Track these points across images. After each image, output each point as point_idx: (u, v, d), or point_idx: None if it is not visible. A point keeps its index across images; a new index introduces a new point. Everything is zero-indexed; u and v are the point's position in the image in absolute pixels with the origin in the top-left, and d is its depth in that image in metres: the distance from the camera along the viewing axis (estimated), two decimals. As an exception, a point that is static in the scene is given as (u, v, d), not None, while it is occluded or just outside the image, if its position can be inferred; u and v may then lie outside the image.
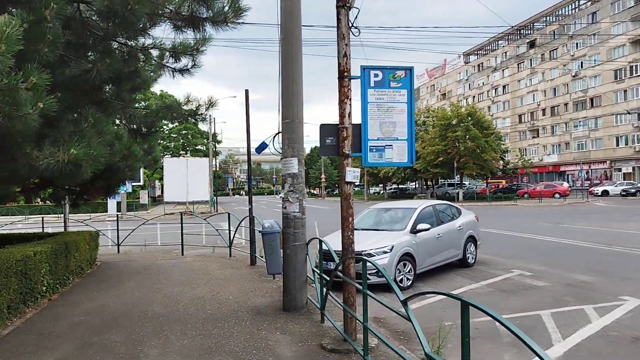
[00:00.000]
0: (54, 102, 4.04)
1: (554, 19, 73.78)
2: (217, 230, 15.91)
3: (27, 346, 6.26)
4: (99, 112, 5.60)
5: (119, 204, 38.15)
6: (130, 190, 39.86)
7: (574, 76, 67.88)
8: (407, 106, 6.40)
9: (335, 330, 6.59)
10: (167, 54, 7.10)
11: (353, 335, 6.10)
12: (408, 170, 55.98)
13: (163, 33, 6.54)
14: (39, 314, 7.92)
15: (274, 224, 8.51)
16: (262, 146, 8.49)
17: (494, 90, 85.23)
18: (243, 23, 6.31)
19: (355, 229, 10.60)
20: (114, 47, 7.00)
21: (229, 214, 15.52)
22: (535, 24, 77.22)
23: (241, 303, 8.39)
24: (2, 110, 3.83)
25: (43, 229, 15.86)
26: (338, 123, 6.31)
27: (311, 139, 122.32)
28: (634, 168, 60.40)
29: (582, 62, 66.86)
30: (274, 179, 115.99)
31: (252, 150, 10.68)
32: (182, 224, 15.62)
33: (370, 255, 9.53)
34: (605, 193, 51.69)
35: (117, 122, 9.01)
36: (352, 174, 6.25)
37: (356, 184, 6.50)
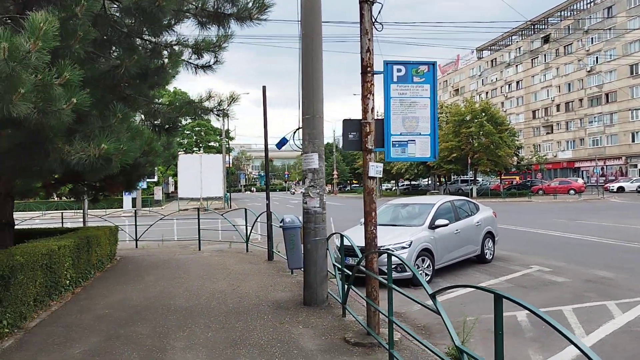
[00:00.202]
0: (87, 97, 4.11)
1: (569, 14, 72.94)
2: (234, 225, 16.00)
3: (55, 337, 6.38)
4: (126, 107, 5.68)
5: (134, 200, 38.51)
6: (145, 186, 40.18)
7: (588, 71, 67.14)
8: (430, 101, 6.40)
9: (357, 324, 6.63)
10: (190, 50, 7.17)
11: (376, 329, 6.13)
12: (421, 166, 55.83)
13: (186, 30, 6.59)
14: (64, 307, 8.05)
15: (294, 219, 8.56)
16: (283, 141, 8.53)
17: (507, 86, 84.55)
18: (267, 20, 6.32)
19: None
20: (137, 43, 7.07)
21: (245, 209, 15.61)
22: (549, 19, 76.42)
23: (262, 297, 8.45)
24: (37, 106, 3.90)
25: (62, 224, 16.07)
26: (361, 118, 6.33)
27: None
28: (650, 164, 59.72)
29: (597, 57, 66.09)
30: (286, 175, 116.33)
31: (272, 145, 10.72)
32: (199, 219, 15.75)
33: (380, 252, 9.54)
34: (620, 189, 51.13)
35: (137, 118, 9.10)
36: (375, 168, 6.27)
37: (379, 177, 6.50)
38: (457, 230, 11.12)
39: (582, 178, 62.71)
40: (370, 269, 6.23)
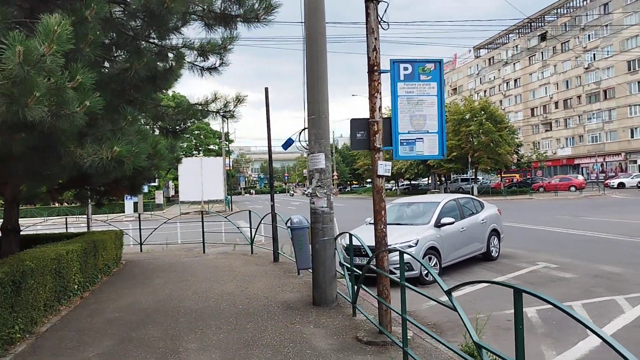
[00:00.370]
0: (100, 100, 4.12)
1: (565, 11, 73.08)
2: (238, 228, 16.01)
3: (68, 341, 6.37)
4: (135, 111, 5.69)
5: (135, 204, 38.50)
6: (146, 190, 40.18)
7: (586, 68, 67.23)
8: (437, 99, 6.41)
9: (368, 323, 6.63)
10: (195, 52, 7.17)
11: (388, 327, 6.13)
12: (421, 165, 55.83)
13: (192, 32, 6.61)
14: (74, 312, 8.05)
15: (302, 220, 8.56)
16: (289, 142, 8.53)
17: (505, 84, 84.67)
18: (273, 21, 6.34)
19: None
20: (143, 46, 7.07)
21: (249, 211, 15.60)
22: (546, 17, 76.52)
23: (270, 298, 8.45)
24: (50, 109, 3.91)
25: (67, 229, 16.07)
26: (368, 117, 6.33)
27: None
28: (649, 160, 59.79)
29: (594, 54, 66.19)
30: (286, 177, 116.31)
31: (279, 147, 10.72)
32: (202, 222, 15.75)
33: (391, 250, 9.55)
34: (621, 185, 51.14)
35: (142, 120, 9.11)
36: (384, 167, 6.28)
37: (387, 176, 6.50)
38: (462, 228, 11.13)
39: (582, 175, 62.74)
40: (381, 268, 6.23)
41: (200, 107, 7.81)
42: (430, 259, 10.06)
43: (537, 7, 74.35)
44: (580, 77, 69.01)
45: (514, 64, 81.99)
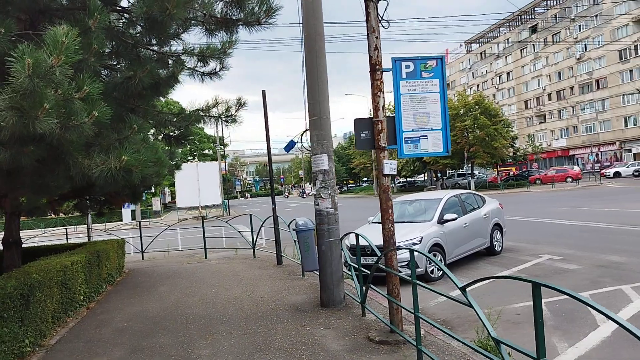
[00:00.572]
0: (107, 110, 4.10)
1: (555, 2, 73.33)
2: (239, 232, 15.98)
3: (78, 353, 6.34)
4: (140, 119, 5.67)
5: (133, 212, 38.37)
6: (143, 198, 40.02)
7: (578, 59, 67.47)
8: (440, 96, 6.40)
9: (378, 322, 6.63)
10: (195, 58, 7.15)
11: (400, 326, 6.13)
12: (417, 162, 55.86)
13: (192, 37, 6.58)
14: (81, 323, 8.01)
15: (307, 222, 8.56)
16: (291, 144, 8.54)
17: (498, 78, 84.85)
18: (275, 24, 6.33)
19: (380, 223, 10.65)
20: (142, 53, 7.04)
21: (250, 215, 15.57)
22: (536, 9, 76.75)
23: (278, 301, 8.44)
24: (59, 121, 3.88)
25: (67, 240, 16.00)
26: (372, 117, 6.34)
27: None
28: (644, 148, 60.05)
29: (585, 45, 66.44)
30: (282, 179, 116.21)
31: (277, 149, 10.70)
32: (203, 228, 15.72)
33: (399, 248, 9.55)
34: (617, 175, 51.37)
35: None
36: (390, 166, 6.28)
37: (393, 174, 6.51)
38: (465, 223, 11.14)
39: (578, 165, 62.97)
40: (389, 267, 6.23)
41: (202, 113, 7.80)
42: (435, 255, 10.06)
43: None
44: (572, 68, 69.25)
45: (506, 57, 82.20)
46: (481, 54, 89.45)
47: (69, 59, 3.54)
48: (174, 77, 7.06)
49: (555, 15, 71.19)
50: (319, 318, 7.21)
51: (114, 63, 7.16)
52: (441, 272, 10.01)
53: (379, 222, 11.02)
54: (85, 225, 17.20)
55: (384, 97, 6.30)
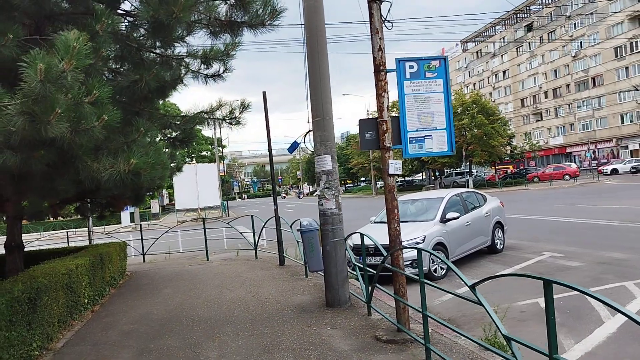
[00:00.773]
0: (117, 113, 4.12)
1: (550, 1, 73.50)
2: (241, 233, 16.00)
3: (86, 356, 6.35)
4: (147, 122, 5.69)
5: (132, 214, 38.35)
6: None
7: (574, 57, 67.66)
8: (444, 95, 6.44)
9: (385, 321, 6.66)
10: (199, 60, 7.17)
11: (407, 325, 6.16)
12: (415, 162, 55.95)
13: (197, 40, 6.61)
14: (87, 326, 8.01)
15: (312, 222, 8.58)
16: (294, 145, 8.55)
17: (494, 76, 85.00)
18: (279, 25, 6.35)
19: (383, 222, 10.67)
20: (145, 56, 7.06)
21: (252, 216, 15.59)
22: (531, 7, 76.92)
23: (282, 302, 8.46)
24: (70, 125, 3.90)
25: (68, 244, 15.99)
26: (377, 117, 6.36)
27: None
28: (640, 144, 60.25)
29: (581, 42, 66.62)
30: (280, 180, 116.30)
31: (275, 150, 10.72)
32: (204, 229, 15.71)
33: (410, 247, 9.59)
34: (614, 171, 51.57)
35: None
36: (395, 166, 6.31)
37: (398, 174, 6.54)
38: (467, 222, 11.19)
39: (575, 162, 63.12)
40: (396, 266, 6.26)
41: (206, 115, 7.82)
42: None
43: (521, -2, 74.42)
44: (568, 65, 69.43)
45: (502, 55, 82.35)
46: (477, 52, 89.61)
47: (80, 64, 3.56)
48: (179, 80, 7.08)
49: (551, 14, 71.37)
50: (325, 318, 7.23)
51: (118, 66, 7.18)
52: (444, 270, 10.06)
53: (381, 222, 11.12)
54: (86, 229, 17.19)
55: (388, 98, 6.33)
